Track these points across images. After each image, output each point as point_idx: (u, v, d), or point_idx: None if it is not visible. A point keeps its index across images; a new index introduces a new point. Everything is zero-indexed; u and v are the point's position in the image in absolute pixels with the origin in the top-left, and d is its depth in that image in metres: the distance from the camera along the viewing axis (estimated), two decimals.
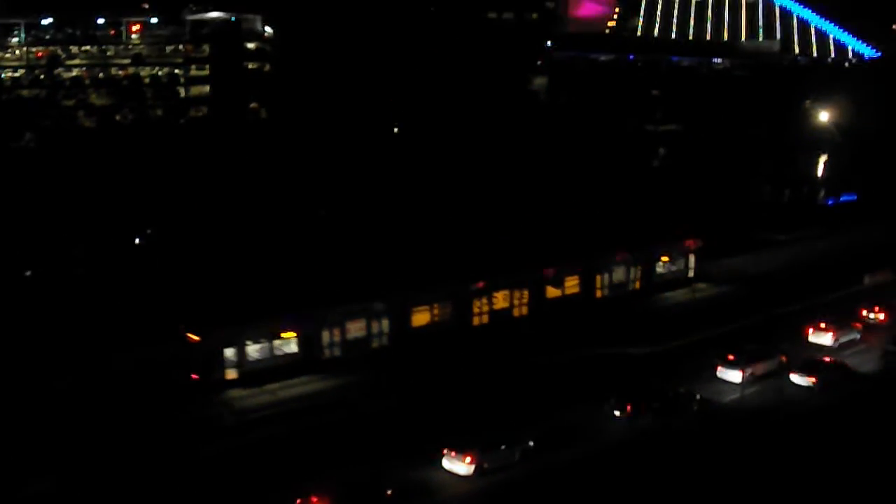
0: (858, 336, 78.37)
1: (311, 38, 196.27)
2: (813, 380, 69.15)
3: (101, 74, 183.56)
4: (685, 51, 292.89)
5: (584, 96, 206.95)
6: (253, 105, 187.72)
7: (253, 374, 67.37)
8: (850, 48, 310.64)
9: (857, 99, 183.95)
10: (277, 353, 69.09)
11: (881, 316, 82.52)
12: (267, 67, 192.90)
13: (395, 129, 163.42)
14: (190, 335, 66.34)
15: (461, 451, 56.99)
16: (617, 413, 63.29)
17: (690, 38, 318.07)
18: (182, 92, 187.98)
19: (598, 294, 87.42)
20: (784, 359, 71.38)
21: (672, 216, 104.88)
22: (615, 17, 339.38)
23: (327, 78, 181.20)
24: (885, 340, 75.89)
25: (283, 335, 69.09)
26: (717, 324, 79.99)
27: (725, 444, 60.20)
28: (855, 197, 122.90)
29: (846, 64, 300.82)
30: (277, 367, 68.69)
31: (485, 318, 79.56)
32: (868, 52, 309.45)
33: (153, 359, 65.11)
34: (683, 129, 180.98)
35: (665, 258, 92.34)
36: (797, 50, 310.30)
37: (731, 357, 69.39)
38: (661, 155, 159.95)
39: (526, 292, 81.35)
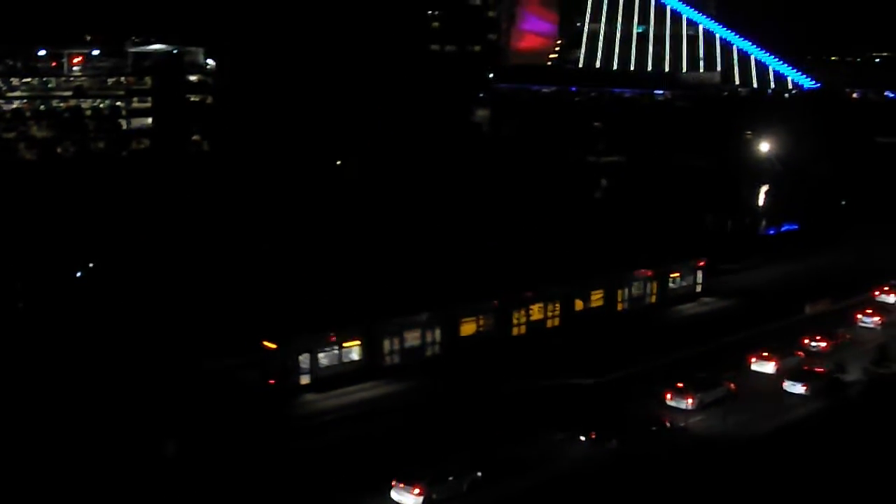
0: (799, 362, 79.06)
1: (254, 70, 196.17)
2: (805, 387, 72.82)
3: (42, 106, 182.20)
4: (626, 82, 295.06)
5: (527, 128, 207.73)
6: (195, 137, 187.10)
7: (323, 379, 71.84)
8: (789, 79, 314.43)
9: (797, 129, 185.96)
10: (344, 360, 73.42)
11: (823, 344, 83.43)
12: (209, 100, 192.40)
13: (339, 162, 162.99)
14: (267, 343, 70.55)
15: (409, 482, 56.41)
16: (582, 438, 63.33)
17: (632, 69, 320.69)
18: (124, 124, 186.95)
19: (619, 307, 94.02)
20: (733, 386, 71.79)
21: (614, 247, 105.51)
22: (557, 49, 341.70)
23: (269, 110, 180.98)
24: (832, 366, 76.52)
25: (346, 344, 73.38)
26: (665, 353, 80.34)
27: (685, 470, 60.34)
28: (797, 227, 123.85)
29: (786, 95, 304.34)
30: (344, 373, 73.12)
31: (522, 329, 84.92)
32: (807, 82, 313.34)
33: (233, 366, 71.54)
34: (626, 160, 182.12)
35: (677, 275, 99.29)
36: (737, 81, 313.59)
37: (680, 385, 69.86)
38: (604, 186, 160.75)
39: (558, 305, 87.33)
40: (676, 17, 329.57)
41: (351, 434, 64.07)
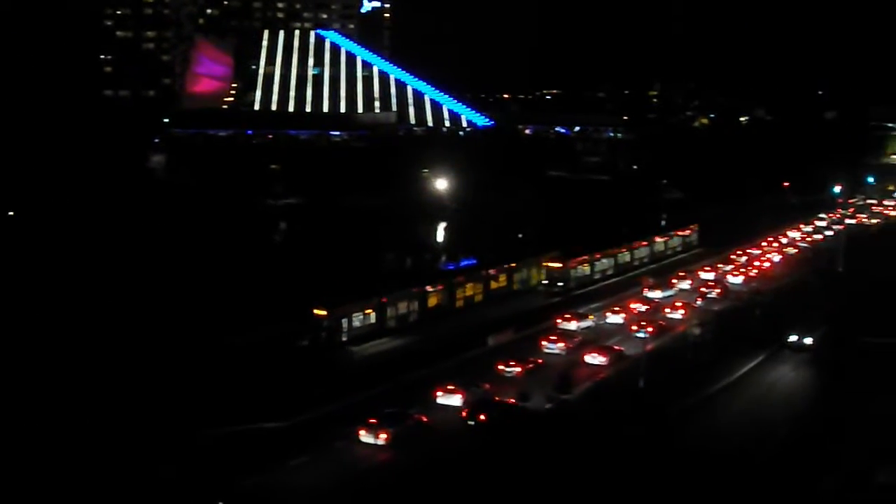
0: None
1: None
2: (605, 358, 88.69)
3: None
4: (303, 124, 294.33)
5: (203, 173, 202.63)
6: None
7: (355, 337, 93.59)
8: (463, 117, 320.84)
9: (472, 165, 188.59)
10: (365, 322, 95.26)
11: (517, 369, 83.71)
12: None
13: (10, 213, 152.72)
14: (317, 311, 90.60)
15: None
16: None
17: (308, 111, 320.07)
18: None
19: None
20: (424, 419, 70.39)
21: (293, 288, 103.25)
22: (233, 92, 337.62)
23: None
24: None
25: (367, 311, 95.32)
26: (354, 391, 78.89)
27: None
28: (475, 262, 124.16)
29: (460, 133, 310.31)
30: (367, 333, 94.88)
31: (461, 302, 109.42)
32: (481, 120, 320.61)
33: (291, 330, 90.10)
34: (304, 202, 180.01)
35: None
36: (413, 120, 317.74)
37: (372, 420, 67.94)
38: (282, 229, 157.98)
39: (481, 285, 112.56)
40: (351, 58, 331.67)
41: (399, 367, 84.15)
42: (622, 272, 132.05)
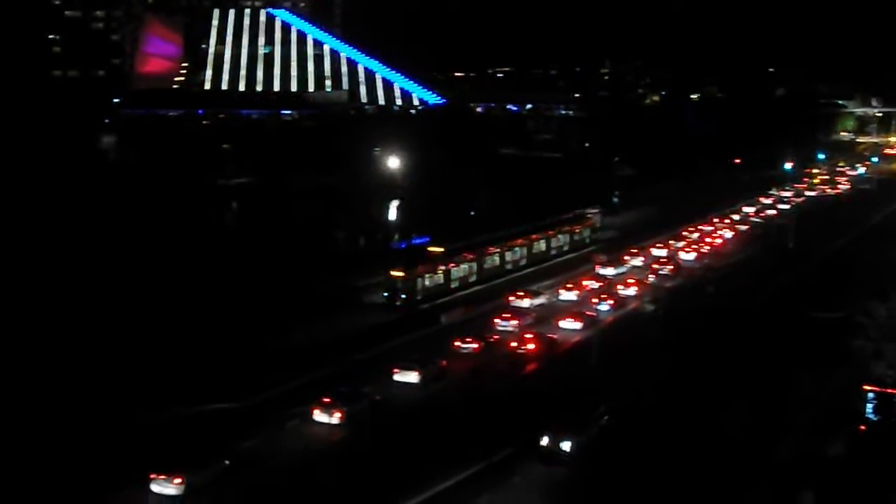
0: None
1: None
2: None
3: None
4: (253, 104, 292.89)
5: (154, 153, 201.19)
6: None
7: (427, 295, 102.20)
8: (414, 95, 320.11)
9: (424, 144, 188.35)
10: (433, 282, 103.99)
11: (475, 345, 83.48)
12: None
13: None
14: (394, 273, 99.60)
15: (170, 473, 55.36)
16: None
17: (259, 90, 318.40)
18: None
19: None
20: (378, 398, 69.99)
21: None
22: (183, 71, 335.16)
23: None
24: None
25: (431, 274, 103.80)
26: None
27: None
28: (428, 239, 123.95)
29: (412, 111, 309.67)
30: (434, 292, 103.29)
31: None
32: (433, 98, 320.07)
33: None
34: (255, 181, 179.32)
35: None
36: (364, 99, 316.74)
37: (326, 399, 67.36)
38: (234, 209, 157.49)
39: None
40: (302, 36, 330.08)
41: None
42: (488, 279, 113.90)
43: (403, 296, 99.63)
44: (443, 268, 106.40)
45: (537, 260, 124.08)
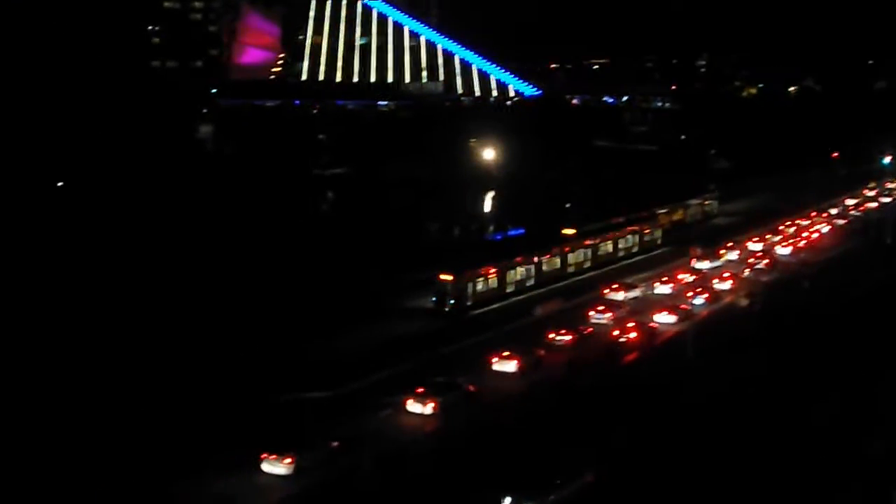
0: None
1: None
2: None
3: None
4: (350, 94, 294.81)
5: (251, 143, 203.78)
6: None
7: (480, 300, 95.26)
8: (510, 87, 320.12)
9: (520, 136, 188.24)
10: (487, 288, 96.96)
11: (567, 338, 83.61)
12: None
13: (59, 184, 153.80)
14: (443, 277, 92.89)
15: (280, 454, 57.42)
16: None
17: (355, 81, 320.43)
18: None
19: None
20: (472, 388, 70.30)
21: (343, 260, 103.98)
22: (280, 62, 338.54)
23: None
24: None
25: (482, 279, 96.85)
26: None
27: None
28: (523, 231, 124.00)
29: (508, 103, 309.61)
30: (487, 297, 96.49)
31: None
32: (528, 90, 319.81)
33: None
34: (351, 172, 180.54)
35: None
36: (460, 90, 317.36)
37: (420, 389, 67.97)
38: (330, 199, 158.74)
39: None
40: (398, 28, 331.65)
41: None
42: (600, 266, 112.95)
43: (451, 301, 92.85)
44: (535, 261, 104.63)
45: (645, 249, 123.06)
